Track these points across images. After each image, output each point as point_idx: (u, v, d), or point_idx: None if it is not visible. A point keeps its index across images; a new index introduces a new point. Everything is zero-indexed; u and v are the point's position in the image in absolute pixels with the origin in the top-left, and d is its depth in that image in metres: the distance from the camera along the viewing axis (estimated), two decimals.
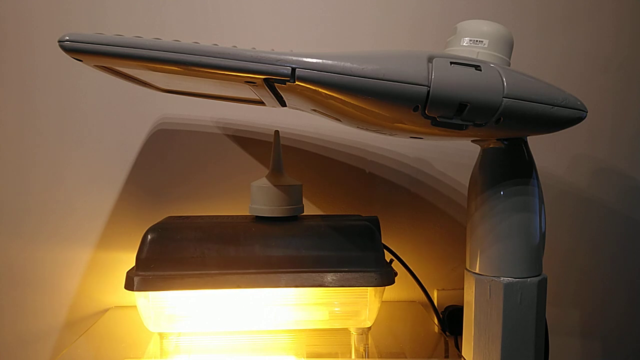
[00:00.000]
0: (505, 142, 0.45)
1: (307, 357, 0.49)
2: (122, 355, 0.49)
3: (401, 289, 0.67)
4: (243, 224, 0.50)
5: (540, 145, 0.67)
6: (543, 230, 0.46)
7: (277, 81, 0.37)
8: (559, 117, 0.40)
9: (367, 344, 0.52)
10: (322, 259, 0.48)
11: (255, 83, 0.38)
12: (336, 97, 0.37)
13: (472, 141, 0.48)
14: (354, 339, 0.53)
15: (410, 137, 0.48)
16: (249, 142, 0.65)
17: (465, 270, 0.49)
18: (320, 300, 0.51)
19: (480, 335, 0.46)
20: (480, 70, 0.38)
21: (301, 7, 0.64)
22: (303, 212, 0.54)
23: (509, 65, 0.43)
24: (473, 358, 0.47)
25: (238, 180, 0.65)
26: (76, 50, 0.35)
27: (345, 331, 0.53)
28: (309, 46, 0.64)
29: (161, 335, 0.50)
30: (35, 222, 0.63)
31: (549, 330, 0.53)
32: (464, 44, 0.43)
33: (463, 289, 0.49)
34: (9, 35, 0.61)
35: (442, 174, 0.68)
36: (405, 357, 0.50)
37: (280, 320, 0.51)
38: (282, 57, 0.35)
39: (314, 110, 0.44)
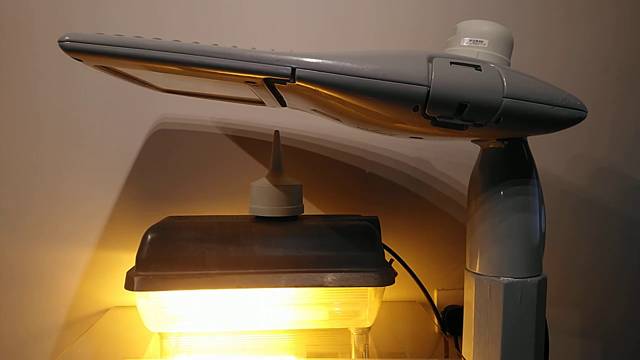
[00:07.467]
0: (505, 142, 0.45)
1: (307, 357, 0.49)
2: (122, 355, 0.49)
3: (401, 289, 0.67)
4: (243, 224, 0.50)
5: (540, 145, 0.67)
6: (543, 230, 0.46)
7: (277, 81, 0.37)
8: (559, 117, 0.40)
9: (367, 344, 0.52)
10: (322, 259, 0.48)
11: (255, 83, 0.38)
12: (336, 97, 0.37)
13: (472, 141, 0.48)
14: (354, 339, 0.53)
15: (410, 137, 0.48)
16: (249, 142, 0.65)
17: (465, 270, 0.49)
18: (320, 300, 0.51)
19: (480, 335, 0.46)
20: (480, 70, 0.38)
21: (301, 7, 0.64)
22: (303, 212, 0.54)
23: (509, 65, 0.43)
24: (473, 358, 0.47)
25: (238, 180, 0.64)
26: (76, 50, 0.35)
27: (345, 331, 0.53)
28: (309, 46, 0.64)
29: (161, 335, 0.51)
30: (36, 222, 0.63)
31: (549, 330, 0.53)
32: (464, 44, 0.43)
33: (463, 289, 0.49)
34: (9, 35, 0.61)
35: (442, 174, 0.68)
36: (405, 357, 0.50)
37: (280, 320, 0.51)
38: (282, 57, 0.35)
39: (314, 110, 0.44)
